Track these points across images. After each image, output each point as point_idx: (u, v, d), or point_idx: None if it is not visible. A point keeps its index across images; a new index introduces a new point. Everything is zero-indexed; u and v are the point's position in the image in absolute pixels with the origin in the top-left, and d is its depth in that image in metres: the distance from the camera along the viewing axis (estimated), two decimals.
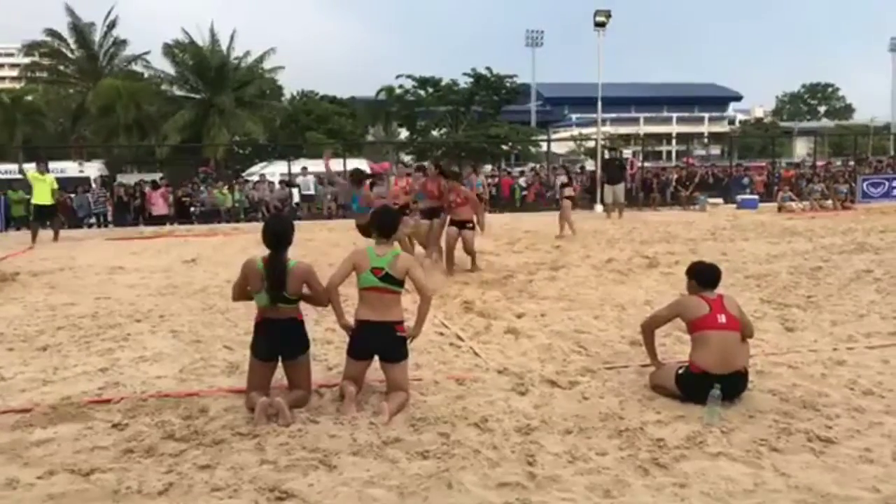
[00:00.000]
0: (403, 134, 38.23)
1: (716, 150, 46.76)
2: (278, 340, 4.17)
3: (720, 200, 20.47)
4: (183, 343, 5.73)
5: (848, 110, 69.20)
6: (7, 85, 48.00)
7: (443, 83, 33.67)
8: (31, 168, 14.28)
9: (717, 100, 69.22)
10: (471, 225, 9.08)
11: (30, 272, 9.60)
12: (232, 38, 35.36)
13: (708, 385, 3.96)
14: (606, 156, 19.27)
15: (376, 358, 4.27)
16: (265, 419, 3.88)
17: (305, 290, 4.22)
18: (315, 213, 20.83)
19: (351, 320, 4.32)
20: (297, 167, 22.83)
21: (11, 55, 56.00)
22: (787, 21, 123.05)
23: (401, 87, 33.85)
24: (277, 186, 21.18)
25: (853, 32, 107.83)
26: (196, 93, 35.12)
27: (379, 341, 4.22)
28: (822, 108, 72.14)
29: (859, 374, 4.60)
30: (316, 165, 23.02)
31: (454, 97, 33.55)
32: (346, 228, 10.64)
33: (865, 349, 5.23)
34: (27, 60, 38.57)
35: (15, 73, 47.71)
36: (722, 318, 4.17)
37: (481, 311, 6.80)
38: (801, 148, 41.68)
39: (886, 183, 21.37)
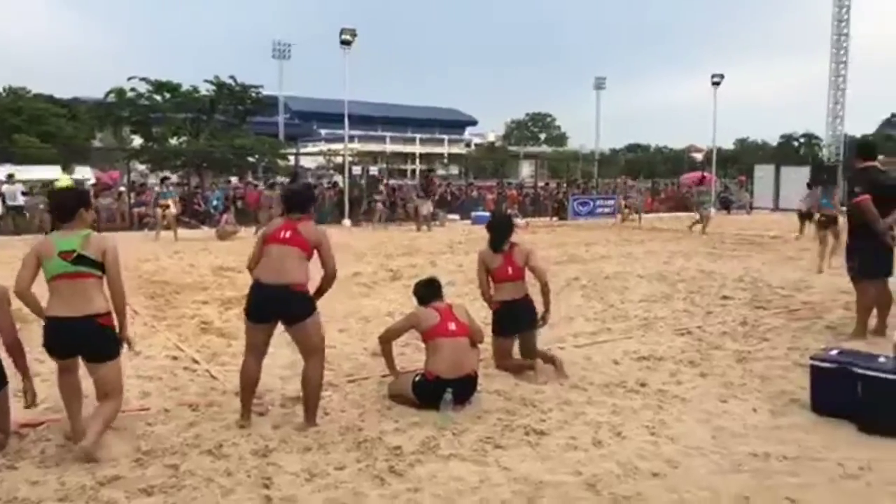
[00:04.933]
0: (137, 141, 34.97)
1: (454, 170, 50.18)
2: None
3: (457, 217, 22.01)
4: None
5: (563, 138, 78.83)
6: None
7: (181, 89, 31.57)
8: None
9: (456, 123, 74.57)
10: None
11: None
12: None
13: (441, 390, 4.21)
14: (416, 172, 20.70)
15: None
16: None
17: None
18: (23, 227, 18.02)
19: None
20: (1, 173, 19.75)
21: None
22: (514, 54, 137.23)
23: (133, 90, 31.01)
24: None
25: (566, 68, 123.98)
26: None
27: (78, 337, 3.67)
28: (543, 135, 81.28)
29: (569, 371, 5.20)
30: (25, 172, 20.17)
31: (194, 104, 31.64)
32: None
33: (573, 348, 5.95)
34: None
35: None
36: (452, 326, 4.46)
37: (221, 331, 6.50)
38: (526, 170, 46.61)
39: (592, 203, 24.72)
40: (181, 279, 9.69)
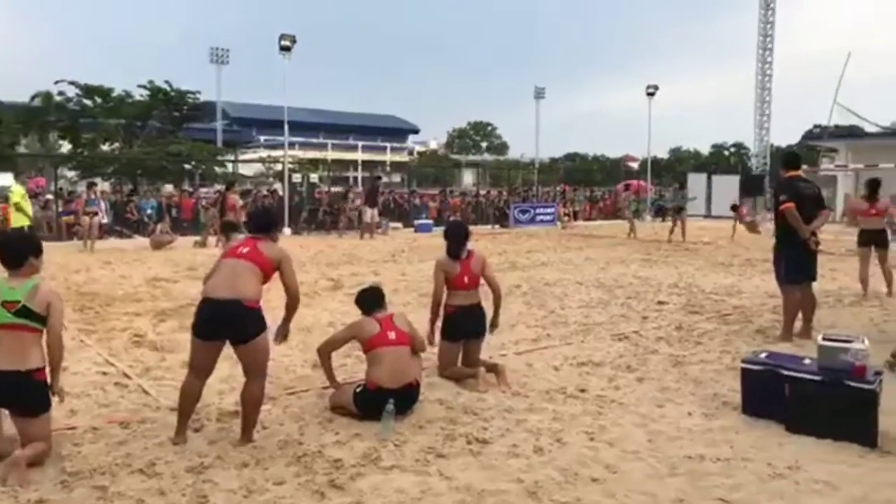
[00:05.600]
0: (66, 147, 33.55)
1: (397, 178, 50.07)
2: None
3: (399, 225, 21.98)
4: None
5: (504, 147, 79.66)
6: None
7: (114, 94, 30.52)
8: None
9: (398, 131, 74.38)
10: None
11: None
12: None
13: (383, 400, 4.17)
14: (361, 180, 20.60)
15: None
16: None
17: None
18: None
19: None
20: None
21: None
22: (456, 62, 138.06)
23: (61, 93, 29.81)
24: None
25: (506, 78, 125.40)
26: None
27: (11, 391, 3.53)
28: (485, 144, 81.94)
29: (510, 379, 5.22)
30: None
31: (128, 110, 30.63)
32: None
33: (514, 355, 5.99)
34: None
35: None
36: (392, 335, 4.44)
37: (155, 344, 6.28)
38: (468, 178, 46.88)
39: (532, 210, 25.05)
40: (112, 291, 9.34)
